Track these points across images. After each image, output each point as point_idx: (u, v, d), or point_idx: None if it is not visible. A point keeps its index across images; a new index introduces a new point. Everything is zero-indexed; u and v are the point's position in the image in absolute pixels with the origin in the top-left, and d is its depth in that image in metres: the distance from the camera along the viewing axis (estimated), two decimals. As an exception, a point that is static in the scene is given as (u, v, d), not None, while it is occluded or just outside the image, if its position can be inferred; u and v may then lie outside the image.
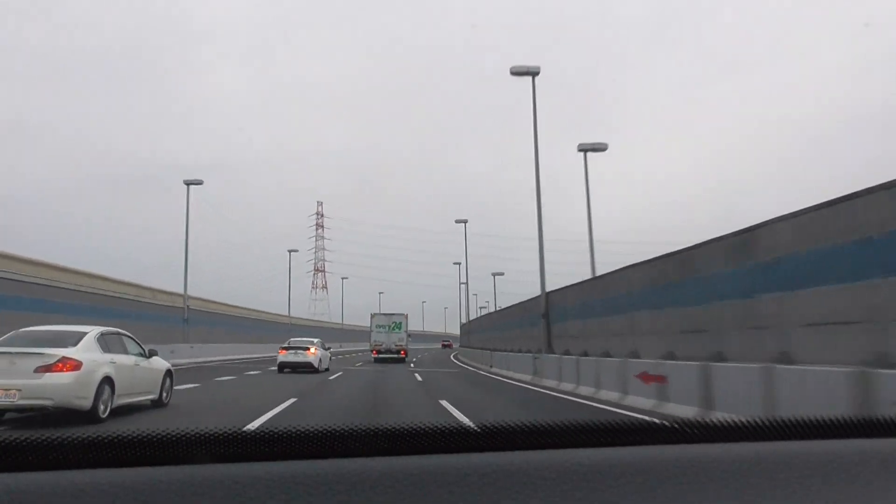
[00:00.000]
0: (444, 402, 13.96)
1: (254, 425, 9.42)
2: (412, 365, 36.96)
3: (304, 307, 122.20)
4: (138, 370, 11.65)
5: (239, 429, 1.10)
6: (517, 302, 36.86)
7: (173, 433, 1.05)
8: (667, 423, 1.25)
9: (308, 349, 27.58)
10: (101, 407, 10.21)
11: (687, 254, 16.19)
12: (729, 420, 1.26)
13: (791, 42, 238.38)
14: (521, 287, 58.80)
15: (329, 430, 1.11)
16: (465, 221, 53.66)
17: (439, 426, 1.14)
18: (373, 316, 45.36)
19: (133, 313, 34.57)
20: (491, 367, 33.15)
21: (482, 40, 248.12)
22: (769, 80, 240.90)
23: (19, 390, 9.42)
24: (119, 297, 35.52)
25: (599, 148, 25.94)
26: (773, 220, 12.65)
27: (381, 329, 43.51)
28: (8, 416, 10.21)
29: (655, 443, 1.20)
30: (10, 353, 9.71)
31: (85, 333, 10.66)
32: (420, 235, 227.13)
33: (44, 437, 1.02)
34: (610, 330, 20.33)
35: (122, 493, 0.93)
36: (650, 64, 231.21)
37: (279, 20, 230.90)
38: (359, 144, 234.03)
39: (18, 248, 49.02)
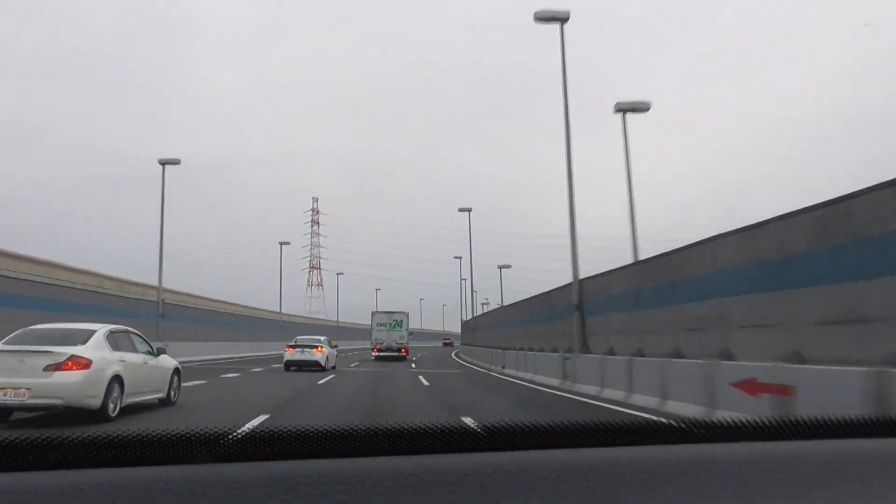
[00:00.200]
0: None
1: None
2: (413, 365, 34.09)
3: (300, 305, 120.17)
4: (147, 368, 11.53)
5: (239, 429, 1.10)
6: (535, 294, 31.61)
7: (173, 433, 1.05)
8: (667, 423, 1.24)
9: (315, 347, 27.44)
10: (111, 406, 10.10)
11: (840, 207, 10.63)
12: (730, 420, 1.26)
13: (791, 42, 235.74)
14: (523, 284, 54.49)
15: (329, 430, 1.10)
16: (468, 210, 49.40)
17: (439, 426, 1.14)
18: (373, 314, 44.83)
19: (92, 307, 30.13)
20: (504, 367, 29.40)
21: (482, 40, 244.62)
22: (769, 80, 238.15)
23: (29, 389, 9.29)
24: (73, 288, 30.92)
25: (640, 108, 21.46)
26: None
27: (382, 327, 43.04)
28: (16, 415, 10.05)
29: (656, 442, 1.19)
30: (18, 351, 9.60)
31: (94, 331, 10.54)
32: (418, 232, 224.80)
33: (44, 437, 1.01)
34: (677, 323, 15.52)
35: (122, 493, 0.92)
36: (650, 63, 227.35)
37: (279, 20, 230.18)
38: (358, 144, 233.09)
39: (15, 245, 44.99)
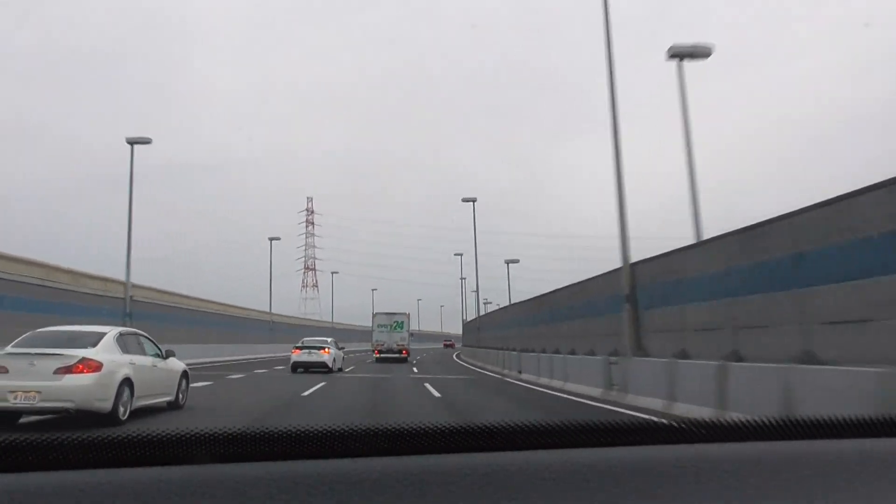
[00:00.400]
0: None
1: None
2: (415, 370, 30.65)
3: (295, 306, 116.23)
4: (156, 371, 11.37)
5: (239, 429, 1.08)
6: (564, 286, 26.17)
7: (173, 433, 1.04)
8: (667, 423, 1.23)
9: (322, 349, 27.19)
10: (121, 409, 9.93)
11: None
12: (730, 419, 1.24)
13: (791, 42, 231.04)
14: (523, 284, 49.90)
15: (329, 430, 1.09)
16: (473, 200, 45.11)
17: (439, 426, 1.13)
18: (374, 315, 44.02)
19: (34, 303, 25.60)
20: (520, 372, 25.59)
21: (482, 40, 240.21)
22: (769, 79, 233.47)
23: (39, 392, 9.16)
24: (9, 280, 26.22)
25: (700, 53, 17.13)
26: None
27: (383, 328, 42.30)
28: (24, 418, 9.88)
29: (656, 443, 1.18)
30: (29, 353, 9.48)
31: (104, 333, 10.39)
32: (416, 232, 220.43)
33: (44, 437, 1.00)
34: (806, 314, 10.64)
35: (122, 493, 0.92)
36: (650, 63, 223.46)
37: (278, 20, 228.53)
38: (358, 144, 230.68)
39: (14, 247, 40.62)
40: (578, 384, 17.82)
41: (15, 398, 9.10)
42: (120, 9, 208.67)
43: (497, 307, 56.40)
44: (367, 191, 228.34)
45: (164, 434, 1.04)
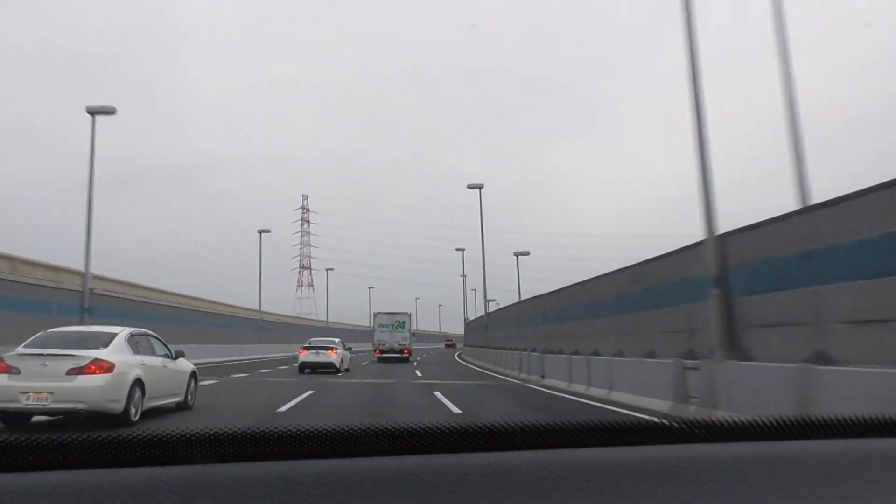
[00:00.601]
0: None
1: None
2: (418, 373, 27.05)
3: (291, 307, 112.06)
4: (166, 372, 11.23)
5: (239, 429, 1.07)
6: (608, 272, 21.14)
7: (173, 433, 1.03)
8: (667, 423, 1.21)
9: (330, 349, 27.07)
10: (133, 410, 9.82)
11: None
12: (729, 420, 1.23)
13: (791, 41, 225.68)
14: (525, 284, 45.52)
15: (329, 430, 1.08)
16: (479, 187, 40.96)
17: (439, 426, 1.11)
18: (375, 315, 43.02)
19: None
20: (543, 377, 21.20)
21: (482, 39, 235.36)
22: (769, 79, 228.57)
23: (51, 393, 9.07)
24: None
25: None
26: None
27: (385, 328, 41.60)
28: (35, 419, 9.77)
29: (656, 443, 1.17)
30: (41, 354, 9.38)
31: (115, 334, 10.29)
32: (414, 231, 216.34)
33: (44, 437, 0.99)
34: None
35: (122, 493, 0.91)
36: (650, 62, 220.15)
37: (277, 20, 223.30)
38: (358, 144, 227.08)
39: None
40: (632, 394, 13.70)
41: (27, 399, 9.05)
42: (120, 9, 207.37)
43: (498, 306, 51.99)
44: (366, 191, 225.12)
45: (164, 434, 1.03)
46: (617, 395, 14.36)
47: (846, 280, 9.70)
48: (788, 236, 11.25)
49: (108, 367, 9.37)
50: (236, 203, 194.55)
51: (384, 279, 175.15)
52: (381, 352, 40.73)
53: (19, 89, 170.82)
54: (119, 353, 9.84)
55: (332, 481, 0.95)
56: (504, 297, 56.99)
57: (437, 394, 15.84)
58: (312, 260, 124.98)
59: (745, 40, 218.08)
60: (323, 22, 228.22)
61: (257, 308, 56.08)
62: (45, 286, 26.78)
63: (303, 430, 1.07)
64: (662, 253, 16.58)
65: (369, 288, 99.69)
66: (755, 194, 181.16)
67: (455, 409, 12.54)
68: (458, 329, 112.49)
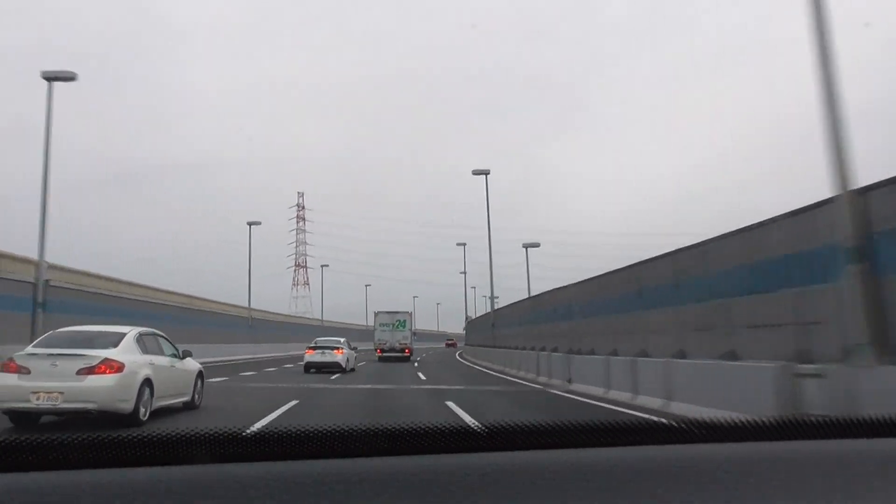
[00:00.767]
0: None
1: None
2: (421, 375, 24.00)
3: (286, 306, 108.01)
4: (174, 372, 11.16)
5: (239, 429, 1.06)
6: (667, 251, 16.99)
7: (173, 433, 1.03)
8: (667, 423, 1.20)
9: (336, 349, 26.98)
10: (142, 410, 9.73)
11: None
12: (730, 420, 1.21)
13: (790, 41, 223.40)
14: (524, 283, 41.91)
15: (329, 430, 1.08)
16: (486, 173, 37.58)
17: (439, 426, 1.10)
18: (376, 314, 42.39)
19: None
20: (569, 381, 18.04)
21: (482, 39, 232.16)
22: (769, 79, 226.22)
23: (62, 393, 8.98)
24: None
25: None
26: None
27: (385, 327, 40.90)
28: (44, 418, 9.71)
29: (656, 443, 1.16)
30: (51, 354, 9.30)
31: (124, 334, 10.20)
32: (412, 229, 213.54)
33: (44, 437, 0.99)
34: None
35: (122, 493, 0.90)
36: (650, 61, 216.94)
37: (277, 20, 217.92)
38: (357, 144, 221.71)
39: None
40: (702, 406, 10.62)
41: (38, 399, 8.97)
42: (119, 9, 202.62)
43: (497, 305, 48.60)
44: (366, 190, 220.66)
45: (164, 434, 1.02)
46: (679, 407, 11.33)
47: None
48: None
49: (118, 367, 9.32)
50: (236, 203, 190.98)
51: (382, 278, 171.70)
52: (383, 351, 40.21)
53: (19, 89, 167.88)
54: (128, 352, 9.78)
55: (332, 481, 0.94)
56: (505, 295, 53.40)
57: (451, 404, 13.17)
58: (308, 258, 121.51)
59: (743, 37, 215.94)
60: (323, 22, 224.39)
61: (255, 307, 52.43)
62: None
63: (303, 430, 1.06)
64: (745, 226, 12.98)
65: (366, 285, 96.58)
66: (756, 194, 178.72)
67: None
68: (456, 328, 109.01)
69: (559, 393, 16.89)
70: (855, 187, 8.90)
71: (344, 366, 26.35)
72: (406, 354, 40.02)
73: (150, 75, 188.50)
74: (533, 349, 25.68)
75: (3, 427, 9.29)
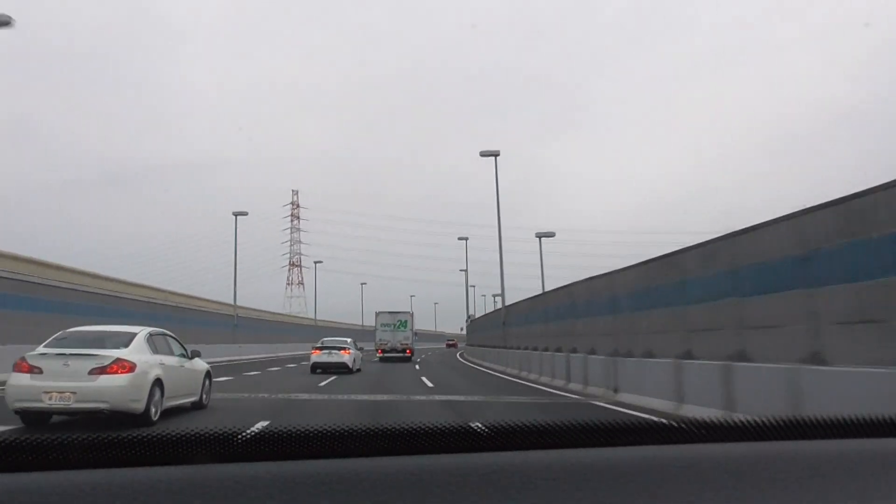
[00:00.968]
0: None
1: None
2: (426, 381, 20.71)
3: (280, 306, 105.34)
4: (183, 371, 11.13)
5: (239, 429, 1.05)
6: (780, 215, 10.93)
7: (173, 433, 1.01)
8: (667, 423, 1.19)
9: (343, 349, 26.78)
10: (153, 410, 9.70)
11: None
12: (730, 420, 1.20)
13: (790, 41, 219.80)
14: (524, 282, 38.51)
15: (329, 430, 1.06)
16: (495, 154, 33.69)
17: (439, 426, 1.09)
18: (377, 314, 41.95)
19: None
20: (615, 391, 14.73)
21: (481, 39, 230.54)
22: (769, 79, 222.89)
23: (74, 393, 8.96)
24: None
25: None
26: None
27: (387, 328, 40.68)
28: (55, 418, 9.61)
29: (656, 443, 1.15)
30: (63, 354, 9.27)
31: (135, 334, 10.19)
32: (411, 228, 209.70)
33: (44, 437, 0.98)
34: None
35: (121, 493, 0.89)
36: (651, 61, 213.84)
37: (277, 20, 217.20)
38: (357, 144, 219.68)
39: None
40: None
41: (50, 399, 8.92)
42: (119, 8, 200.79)
43: (497, 304, 44.68)
44: (366, 190, 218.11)
45: (164, 434, 1.01)
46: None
47: None
48: None
49: (129, 367, 9.29)
50: (236, 203, 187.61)
51: (380, 277, 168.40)
52: (384, 351, 39.86)
53: (18, 89, 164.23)
54: (139, 352, 9.76)
55: (332, 481, 0.93)
56: (506, 293, 49.73)
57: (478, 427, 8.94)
58: (303, 258, 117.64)
59: (742, 37, 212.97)
60: (323, 22, 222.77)
61: (246, 305, 48.16)
62: None
63: (303, 430, 1.05)
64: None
65: (361, 284, 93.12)
66: (755, 194, 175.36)
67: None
68: (454, 328, 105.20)
69: (608, 406, 13.27)
70: None
71: (350, 366, 26.17)
72: (407, 355, 39.74)
73: (150, 75, 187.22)
74: (559, 350, 21.70)
75: (15, 427, 9.21)
